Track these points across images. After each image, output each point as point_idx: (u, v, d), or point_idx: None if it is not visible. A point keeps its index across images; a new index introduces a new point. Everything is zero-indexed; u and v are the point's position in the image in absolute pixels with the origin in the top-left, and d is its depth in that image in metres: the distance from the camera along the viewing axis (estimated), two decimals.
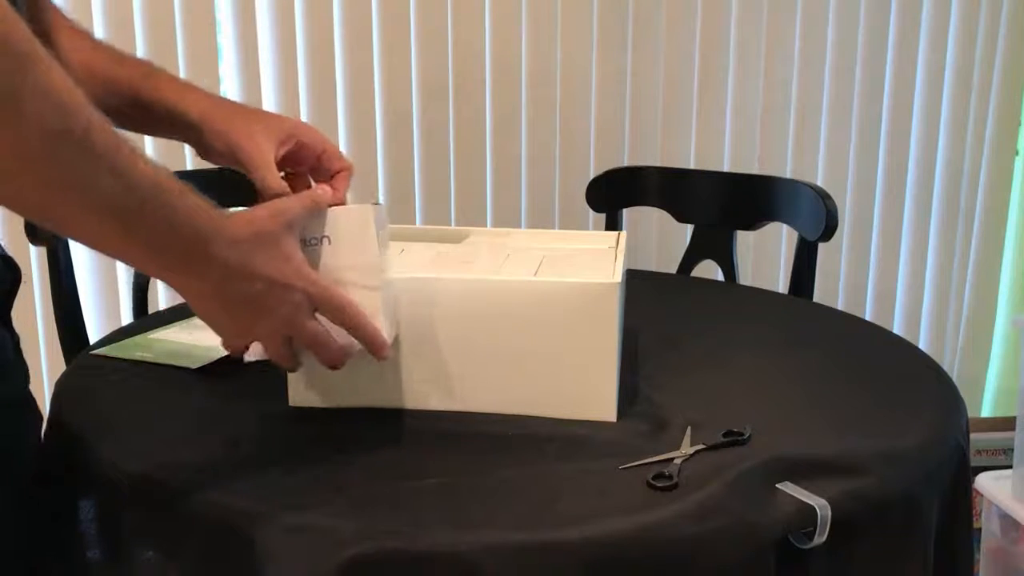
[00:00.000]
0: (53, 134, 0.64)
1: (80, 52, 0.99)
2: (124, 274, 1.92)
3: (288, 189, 0.94)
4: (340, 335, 0.86)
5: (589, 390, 0.94)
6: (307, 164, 1.00)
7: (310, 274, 0.84)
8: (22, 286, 0.96)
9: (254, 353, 0.88)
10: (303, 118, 1.97)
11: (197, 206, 0.76)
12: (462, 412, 0.96)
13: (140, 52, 1.84)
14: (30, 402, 0.93)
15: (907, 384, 1.07)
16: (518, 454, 0.88)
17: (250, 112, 0.99)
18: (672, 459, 0.86)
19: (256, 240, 0.80)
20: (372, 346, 0.87)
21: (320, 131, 1.01)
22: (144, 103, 0.98)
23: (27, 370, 0.93)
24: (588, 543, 0.74)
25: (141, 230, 0.72)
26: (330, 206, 0.91)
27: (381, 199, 2.05)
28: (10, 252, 0.94)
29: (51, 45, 0.91)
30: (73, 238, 0.74)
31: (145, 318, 1.35)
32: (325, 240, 0.89)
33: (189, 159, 1.76)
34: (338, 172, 1.00)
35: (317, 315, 0.85)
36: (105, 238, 0.73)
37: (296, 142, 0.98)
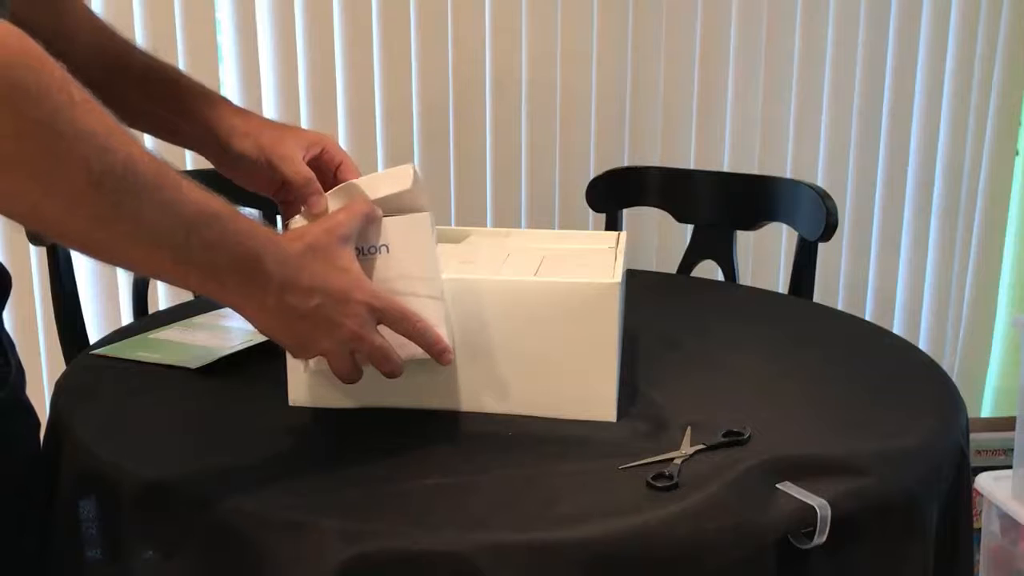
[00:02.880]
0: (96, 174, 0.65)
1: (106, 54, 1.00)
2: (124, 274, 1.91)
3: (314, 177, 0.96)
4: (400, 344, 0.87)
5: (589, 390, 0.94)
6: (326, 177, 1.01)
7: (370, 286, 0.84)
8: (22, 286, 0.96)
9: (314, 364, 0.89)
10: (303, 119, 1.97)
11: (249, 227, 0.76)
12: (462, 412, 0.96)
13: None
14: (25, 406, 0.93)
15: (907, 384, 1.07)
16: (518, 454, 0.88)
17: (277, 123, 1.02)
18: (672, 459, 0.86)
19: (309, 254, 0.80)
20: (435, 353, 0.89)
21: (342, 149, 1.04)
22: (177, 110, 1.00)
23: (23, 374, 0.93)
24: (588, 543, 0.74)
25: (192, 256, 0.73)
26: None
27: None
28: (7, 255, 0.94)
29: (73, 43, 0.92)
30: (128, 269, 0.75)
31: (145, 318, 1.35)
32: (383, 249, 0.89)
33: (189, 158, 1.76)
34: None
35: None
36: (158, 266, 0.74)
37: (322, 150, 1.01)
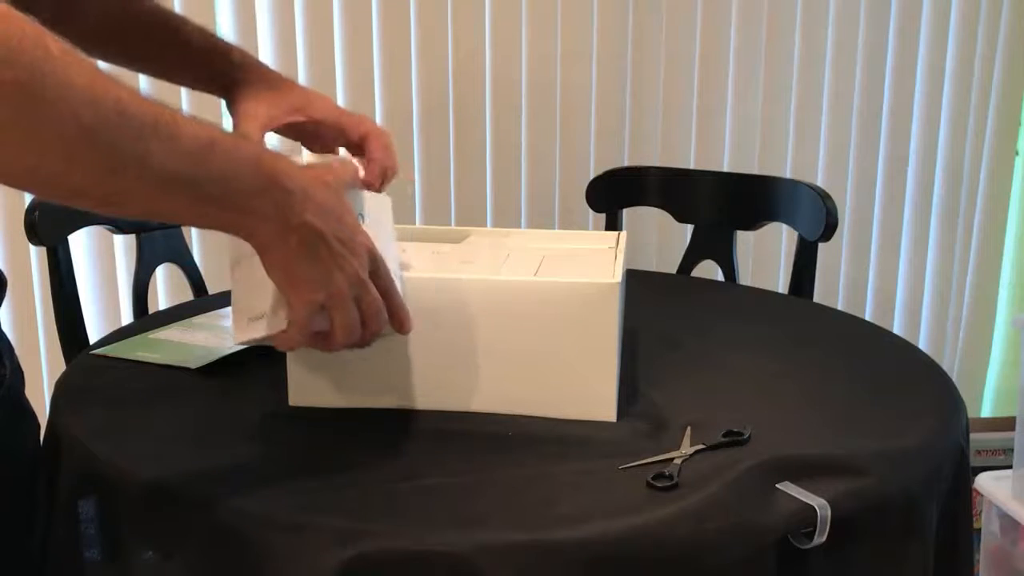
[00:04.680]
0: (87, 124, 0.63)
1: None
2: (124, 274, 1.92)
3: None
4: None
5: (589, 390, 0.94)
6: (329, 142, 1.02)
7: (367, 236, 0.82)
8: (22, 286, 0.96)
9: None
10: None
11: (256, 150, 0.75)
12: (462, 412, 0.96)
13: None
14: (24, 408, 0.93)
15: (907, 384, 1.07)
16: (518, 454, 0.88)
17: (273, 79, 1.04)
18: (672, 459, 0.86)
19: (318, 183, 0.78)
20: (400, 318, 0.85)
21: (333, 107, 1.04)
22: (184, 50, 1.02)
23: (22, 376, 0.93)
24: (588, 543, 0.74)
25: (207, 189, 0.71)
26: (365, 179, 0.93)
27: None
28: (7, 255, 0.95)
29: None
30: (148, 217, 0.73)
31: (145, 318, 1.35)
32: (360, 217, 0.87)
33: None
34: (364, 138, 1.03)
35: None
36: (178, 208, 0.72)
37: (308, 118, 1.01)
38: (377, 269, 0.82)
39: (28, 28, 0.61)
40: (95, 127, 0.64)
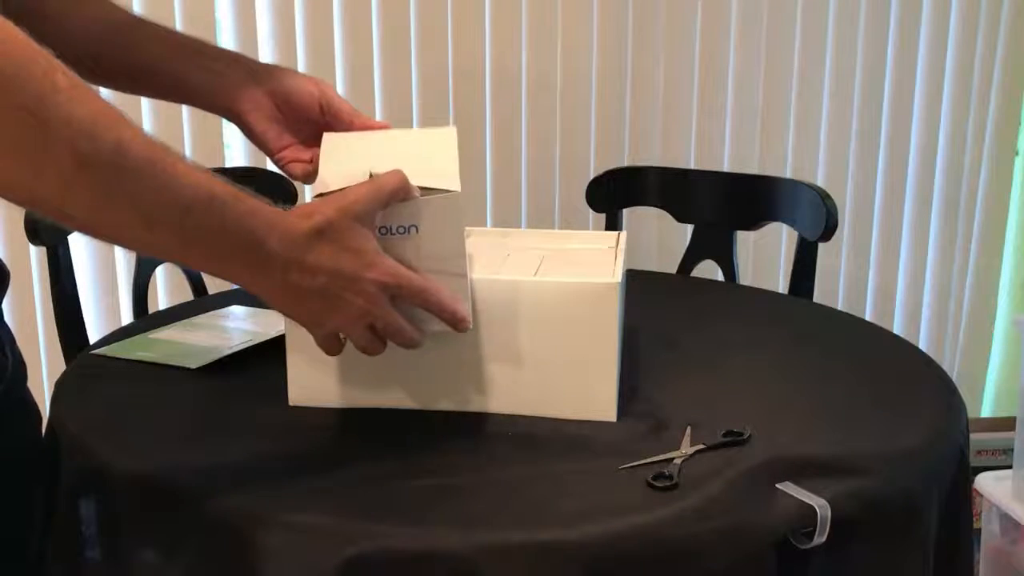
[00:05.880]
0: (84, 157, 0.66)
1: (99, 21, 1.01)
2: (124, 274, 1.92)
3: (303, 162, 0.99)
4: (424, 318, 0.87)
5: (589, 390, 0.94)
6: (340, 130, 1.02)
7: (385, 264, 0.82)
8: (22, 286, 0.96)
9: None
10: None
11: (251, 207, 0.76)
12: (462, 412, 0.96)
13: None
14: (25, 401, 0.93)
15: (907, 384, 1.07)
16: (518, 454, 0.88)
17: (261, 72, 1.02)
18: (672, 459, 0.86)
19: (316, 236, 0.79)
20: (453, 323, 0.88)
21: (326, 89, 1.04)
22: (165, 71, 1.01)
23: (24, 368, 0.93)
24: (588, 543, 0.74)
25: (193, 238, 0.73)
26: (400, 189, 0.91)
27: None
28: (7, 254, 0.95)
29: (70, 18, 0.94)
30: (135, 251, 0.76)
31: (145, 318, 1.35)
32: (412, 229, 0.87)
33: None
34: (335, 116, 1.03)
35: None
36: (162, 248, 0.75)
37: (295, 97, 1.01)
38: (402, 292, 0.84)
39: (41, 60, 0.65)
40: (91, 160, 0.67)
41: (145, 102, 1.86)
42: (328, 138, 0.99)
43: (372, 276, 0.81)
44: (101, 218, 0.70)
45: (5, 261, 0.92)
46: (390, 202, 0.85)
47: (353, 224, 0.81)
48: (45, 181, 0.66)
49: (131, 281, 1.56)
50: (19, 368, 0.92)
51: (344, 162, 0.93)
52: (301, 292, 0.80)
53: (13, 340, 0.91)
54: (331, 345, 0.86)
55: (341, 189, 0.84)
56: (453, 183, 0.88)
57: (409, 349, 0.87)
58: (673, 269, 1.76)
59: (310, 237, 0.79)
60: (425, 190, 0.87)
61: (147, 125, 1.86)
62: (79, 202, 0.68)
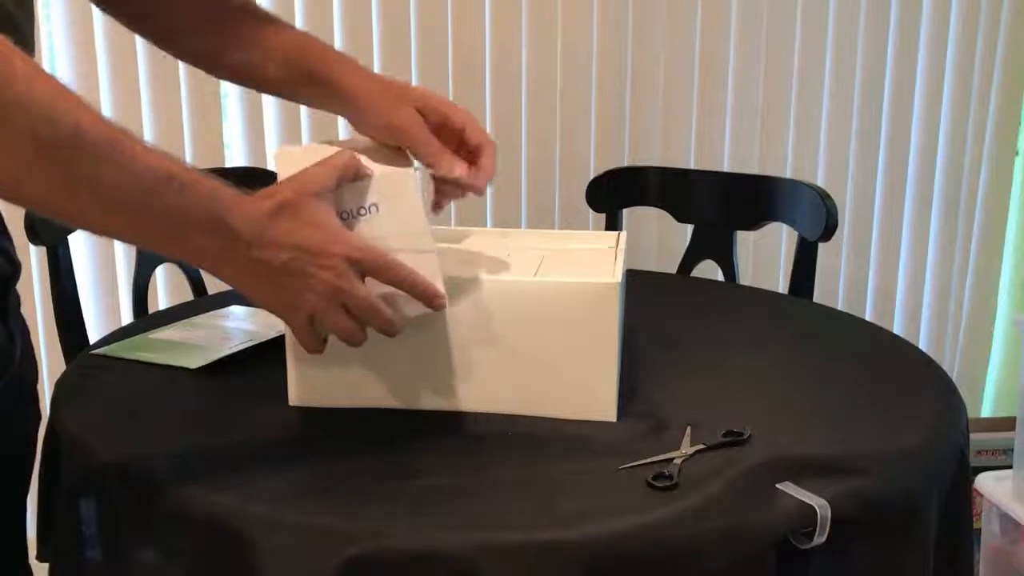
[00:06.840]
0: (43, 140, 0.67)
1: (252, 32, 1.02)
2: (124, 274, 1.92)
3: (463, 165, 0.99)
4: (403, 301, 0.86)
5: (589, 390, 0.94)
6: (451, 141, 1.01)
7: (349, 239, 0.82)
8: (22, 286, 0.96)
9: None
10: (303, 118, 1.97)
11: (212, 188, 0.76)
12: (462, 412, 0.96)
13: (139, 53, 1.84)
14: (29, 394, 0.93)
15: (907, 384, 1.07)
16: (518, 454, 0.88)
17: (390, 87, 1.04)
18: (672, 459, 0.86)
19: (276, 211, 0.79)
20: (427, 298, 0.86)
21: (448, 102, 1.04)
22: (308, 77, 1.03)
23: (33, 360, 0.94)
24: (588, 543, 0.74)
25: (156, 219, 0.74)
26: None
27: None
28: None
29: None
30: (102, 235, 0.76)
31: (145, 318, 1.35)
32: (372, 208, 0.87)
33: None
34: (476, 147, 1.03)
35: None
36: (127, 230, 0.75)
37: (442, 116, 1.01)
38: (366, 268, 0.83)
39: None
40: (50, 144, 0.67)
41: (145, 102, 1.86)
42: (282, 152, 0.97)
43: (338, 250, 0.81)
44: (61, 200, 0.71)
45: None
46: (344, 177, 0.85)
47: (312, 199, 0.81)
48: (6, 166, 0.67)
49: (131, 281, 1.56)
50: (28, 359, 0.92)
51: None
52: (269, 270, 0.79)
53: (24, 330, 0.92)
54: (309, 337, 0.84)
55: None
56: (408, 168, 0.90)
57: (388, 335, 0.85)
58: (673, 269, 1.76)
59: (271, 214, 0.79)
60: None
61: (147, 125, 1.86)
62: (38, 184, 0.69)
